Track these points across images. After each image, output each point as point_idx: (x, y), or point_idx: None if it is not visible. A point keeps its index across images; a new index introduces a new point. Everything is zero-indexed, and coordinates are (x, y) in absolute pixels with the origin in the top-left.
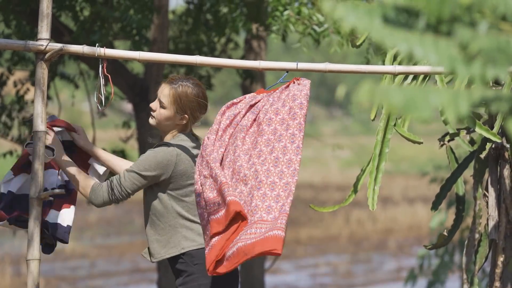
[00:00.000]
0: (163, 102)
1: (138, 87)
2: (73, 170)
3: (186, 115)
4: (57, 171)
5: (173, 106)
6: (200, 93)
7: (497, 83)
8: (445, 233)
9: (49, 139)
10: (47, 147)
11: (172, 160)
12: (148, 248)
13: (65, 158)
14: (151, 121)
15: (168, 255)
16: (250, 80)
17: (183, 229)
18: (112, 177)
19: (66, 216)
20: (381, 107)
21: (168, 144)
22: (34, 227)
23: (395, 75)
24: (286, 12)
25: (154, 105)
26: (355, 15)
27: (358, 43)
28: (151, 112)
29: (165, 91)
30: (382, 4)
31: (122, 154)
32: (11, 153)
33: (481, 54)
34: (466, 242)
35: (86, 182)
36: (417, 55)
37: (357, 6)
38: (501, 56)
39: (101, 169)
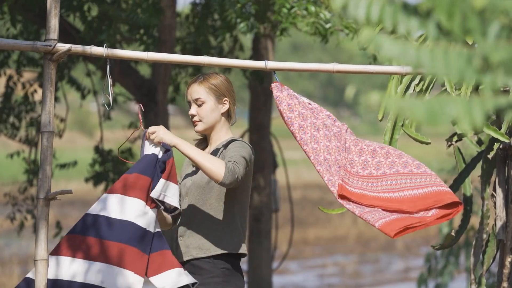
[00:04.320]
0: (199, 98)
1: (146, 88)
2: (193, 148)
3: (226, 98)
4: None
5: (211, 94)
6: (226, 77)
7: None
8: (453, 234)
9: (163, 136)
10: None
11: (253, 155)
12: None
13: (173, 137)
14: (198, 127)
15: (223, 250)
16: (260, 80)
17: (236, 229)
18: (234, 160)
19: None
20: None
21: (238, 139)
22: (41, 227)
23: (402, 75)
24: (293, 10)
25: (193, 110)
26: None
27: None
28: (194, 119)
29: (195, 89)
30: (392, 2)
31: (129, 154)
32: (18, 153)
33: (501, 65)
34: (474, 243)
35: (216, 160)
36: (425, 67)
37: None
38: None
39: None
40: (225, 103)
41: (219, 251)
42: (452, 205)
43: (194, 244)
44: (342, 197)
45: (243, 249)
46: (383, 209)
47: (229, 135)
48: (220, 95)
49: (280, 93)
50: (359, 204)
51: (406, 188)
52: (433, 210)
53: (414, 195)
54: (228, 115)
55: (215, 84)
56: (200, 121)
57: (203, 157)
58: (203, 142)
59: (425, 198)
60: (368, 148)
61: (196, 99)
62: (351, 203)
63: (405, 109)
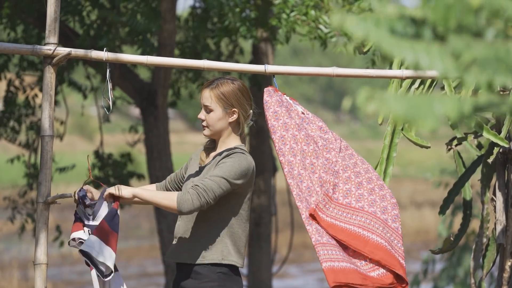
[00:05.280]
0: (208, 106)
1: (146, 92)
2: (148, 191)
3: (235, 109)
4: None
5: (219, 104)
6: (241, 84)
7: (504, 88)
8: (451, 238)
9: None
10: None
11: (251, 168)
12: (182, 251)
13: (131, 189)
14: (205, 132)
15: (212, 261)
16: (258, 86)
17: (228, 241)
18: (196, 184)
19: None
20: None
21: (243, 151)
22: (41, 231)
23: (402, 79)
24: (292, 14)
25: (202, 114)
26: (363, 27)
27: (365, 50)
28: (202, 124)
29: (205, 95)
30: (389, 16)
31: (128, 158)
32: (18, 158)
33: (475, 64)
34: (474, 247)
35: (168, 194)
36: (423, 64)
37: (365, 18)
38: (500, 65)
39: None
40: (233, 114)
41: (206, 261)
42: (400, 279)
43: (185, 249)
44: (311, 216)
45: (237, 262)
46: (341, 244)
47: (236, 143)
48: (228, 105)
49: (270, 98)
50: (323, 229)
51: (376, 234)
52: (382, 270)
53: (380, 244)
54: (237, 123)
55: (225, 94)
56: (207, 127)
57: (157, 198)
58: (213, 141)
59: (387, 253)
60: (356, 179)
61: (206, 106)
62: (314, 225)
63: (381, 104)
